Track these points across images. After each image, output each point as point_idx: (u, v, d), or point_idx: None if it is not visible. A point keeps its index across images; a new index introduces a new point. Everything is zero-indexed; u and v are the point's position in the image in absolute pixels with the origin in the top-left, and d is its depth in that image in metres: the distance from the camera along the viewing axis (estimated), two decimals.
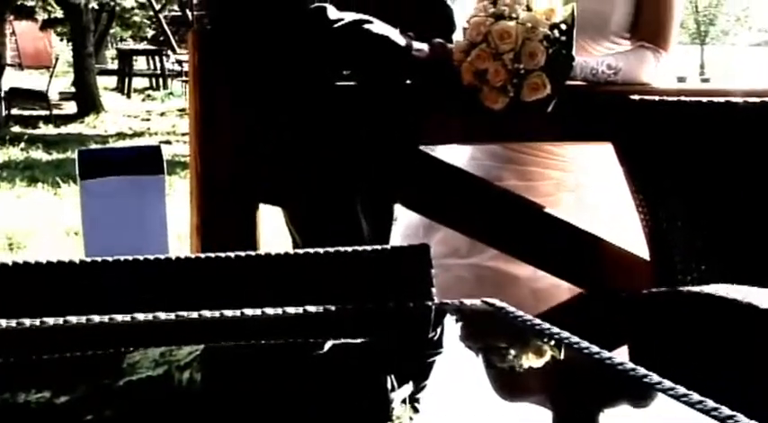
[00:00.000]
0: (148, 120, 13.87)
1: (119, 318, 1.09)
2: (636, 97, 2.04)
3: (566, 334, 1.09)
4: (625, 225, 2.16)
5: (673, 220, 2.03)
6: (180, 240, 4.63)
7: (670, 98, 2.04)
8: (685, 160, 2.03)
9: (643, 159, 2.03)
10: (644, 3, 2.24)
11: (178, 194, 6.03)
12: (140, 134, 12.16)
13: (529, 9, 1.92)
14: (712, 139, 2.04)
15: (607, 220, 2.24)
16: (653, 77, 2.20)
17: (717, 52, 29.83)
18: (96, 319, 1.08)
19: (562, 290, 2.20)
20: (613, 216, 2.24)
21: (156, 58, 18.74)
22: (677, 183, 2.03)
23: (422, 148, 2.11)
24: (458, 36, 2.12)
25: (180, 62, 17.92)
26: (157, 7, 20.10)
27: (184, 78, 17.72)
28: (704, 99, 2.04)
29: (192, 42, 1.96)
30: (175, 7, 20.98)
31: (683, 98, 2.04)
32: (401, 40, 2.01)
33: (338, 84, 2.04)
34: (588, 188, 2.29)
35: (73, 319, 1.08)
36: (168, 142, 11.04)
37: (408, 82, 2.04)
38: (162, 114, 14.59)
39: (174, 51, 19.03)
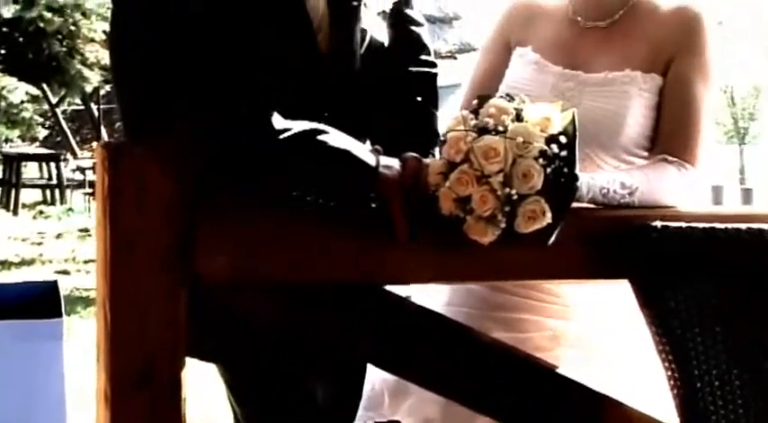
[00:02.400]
0: (41, 243, 13.80)
1: None
2: (658, 224, 2.06)
3: None
4: (646, 385, 2.17)
5: (709, 378, 2.04)
6: (79, 410, 4.55)
7: (702, 225, 2.07)
8: (725, 303, 2.05)
9: (669, 302, 2.05)
10: (665, 104, 2.31)
11: (79, 340, 5.97)
12: (30, 263, 12.09)
13: (519, 119, 1.95)
14: (759, 275, 2.07)
15: (622, 378, 2.25)
16: (678, 198, 2.24)
17: (759, 153, 30.36)
18: None
19: None
20: (630, 374, 2.25)
21: (52, 165, 18.80)
22: (714, 332, 2.05)
23: (387, 288, 2.12)
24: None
25: (82, 169, 18.00)
26: (54, 100, 20.31)
27: (87, 190, 17.79)
28: (745, 226, 2.07)
29: (102, 159, 1.98)
30: (76, 100, 21.21)
31: (717, 225, 2.07)
32: (365, 155, 2.05)
33: (286, 207, 2.07)
34: (595, 342, 2.31)
35: None
36: (66, 272, 10.99)
37: (373, 206, 2.06)
38: (58, 236, 14.53)
39: (74, 155, 19.15)
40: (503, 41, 2.50)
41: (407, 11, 2.38)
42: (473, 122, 1.96)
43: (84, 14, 18.01)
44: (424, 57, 2.41)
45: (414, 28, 2.40)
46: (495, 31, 2.54)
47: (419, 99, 2.37)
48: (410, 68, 2.38)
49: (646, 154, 2.32)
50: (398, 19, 2.33)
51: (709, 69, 2.33)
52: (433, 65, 2.42)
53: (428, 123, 2.37)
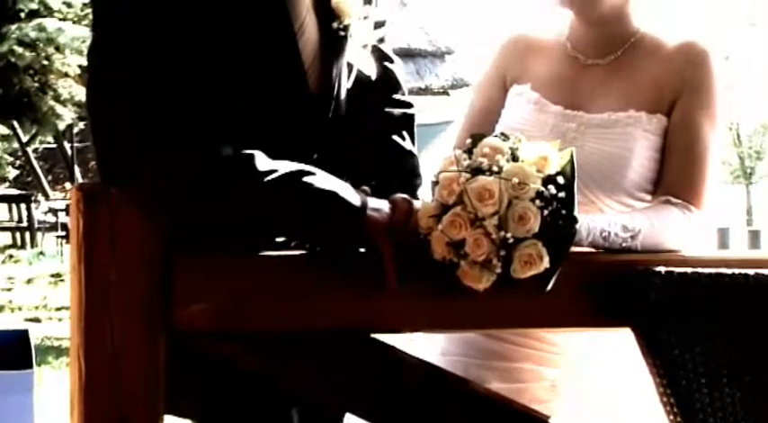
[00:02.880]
0: (10, 289, 13.78)
1: None
2: (661, 269, 2.07)
3: None
4: None
5: None
6: None
7: (708, 270, 2.07)
8: (733, 353, 2.05)
9: (674, 351, 2.05)
10: (671, 144, 2.32)
11: (51, 392, 5.94)
12: None
13: (515, 159, 1.96)
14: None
15: None
16: (683, 242, 2.25)
17: (767, 193, 30.48)
18: None
19: None
20: None
21: (22, 206, 18.80)
22: (721, 383, 2.05)
23: (376, 336, 2.12)
24: (426, 193, 2.16)
25: (54, 211, 18.01)
26: (24, 138, 20.34)
27: (60, 233, 17.77)
28: (752, 271, 2.07)
29: (76, 201, 1.98)
30: (49, 138, 21.26)
31: (724, 270, 2.07)
32: (353, 197, 2.04)
33: (269, 253, 2.07)
34: (596, 393, 2.31)
35: None
36: (37, 320, 10.95)
37: (362, 250, 2.07)
38: (29, 282, 14.51)
39: (46, 196, 19.17)
40: (498, 78, 2.51)
41: (380, 46, 2.39)
42: (466, 162, 1.96)
43: (57, 49, 18.06)
44: (398, 96, 2.42)
45: (387, 64, 2.41)
46: (491, 67, 2.54)
47: (398, 140, 2.38)
48: (387, 109, 2.39)
49: (649, 198, 2.33)
50: (373, 55, 2.34)
51: (716, 108, 2.34)
52: (410, 105, 2.43)
53: (408, 165, 2.38)
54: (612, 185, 2.31)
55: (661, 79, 2.34)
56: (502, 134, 2.01)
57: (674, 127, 2.32)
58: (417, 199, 2.13)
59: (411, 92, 2.52)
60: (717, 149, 2.35)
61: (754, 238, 13.00)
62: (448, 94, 23.15)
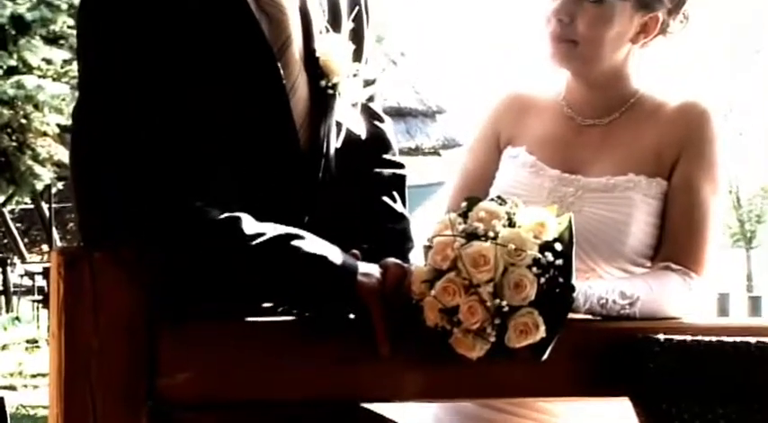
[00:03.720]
0: None
1: None
2: (661, 337, 2.07)
3: None
4: None
5: None
6: None
7: (708, 338, 2.07)
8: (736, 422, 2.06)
9: (674, 421, 2.06)
10: (670, 208, 2.33)
11: None
12: None
13: (511, 224, 1.96)
14: None
15: None
16: (683, 309, 2.25)
17: None
18: None
19: None
20: None
21: None
22: None
23: (368, 407, 2.12)
24: (417, 257, 2.17)
25: (31, 274, 17.94)
26: (1, 199, 20.30)
27: (36, 297, 17.70)
28: (754, 340, 2.07)
29: (57, 266, 1.98)
30: (26, 199, 21.24)
31: (725, 338, 2.08)
32: (343, 261, 2.05)
33: (256, 320, 2.07)
34: None
35: None
36: (12, 388, 10.89)
37: (352, 317, 2.07)
38: (4, 348, 14.44)
39: (22, 259, 19.12)
40: (492, 139, 2.51)
41: (370, 105, 2.41)
42: (461, 227, 1.97)
43: (36, 107, 18.10)
44: (388, 156, 2.43)
45: (377, 123, 2.43)
46: (485, 127, 2.54)
47: (389, 201, 2.39)
48: (377, 170, 2.40)
49: (650, 264, 2.33)
50: (363, 114, 2.36)
51: (717, 172, 2.35)
52: (400, 165, 2.44)
53: (400, 227, 2.39)
54: (612, 251, 2.31)
55: (660, 142, 2.35)
56: (498, 198, 2.01)
57: (674, 190, 2.33)
58: (409, 263, 2.13)
59: (401, 152, 2.54)
60: (718, 214, 2.36)
61: (755, 304, 12.99)
62: (439, 155, 23.22)
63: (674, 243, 2.31)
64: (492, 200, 2.01)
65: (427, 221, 2.19)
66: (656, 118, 2.38)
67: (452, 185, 2.55)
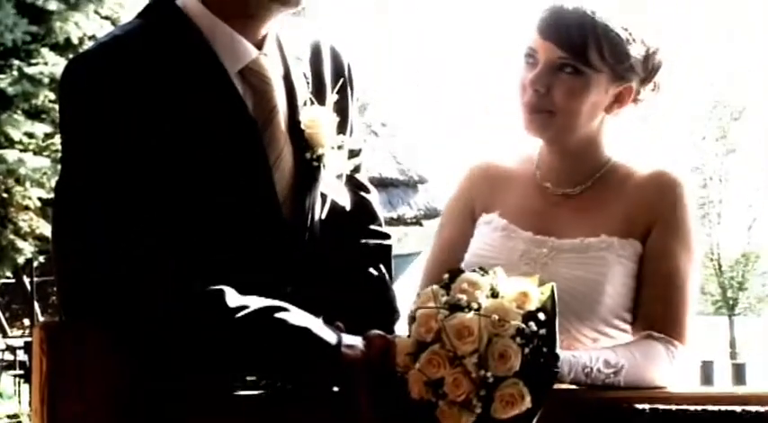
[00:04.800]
0: None
1: None
2: (646, 407, 2.07)
3: None
4: None
5: None
6: None
7: (693, 407, 2.07)
8: None
9: None
10: (647, 278, 2.33)
11: None
12: None
13: (494, 295, 1.97)
14: None
15: None
16: (667, 378, 2.25)
17: (751, 325, 30.52)
18: None
19: None
20: None
21: None
22: None
23: None
24: (401, 328, 2.16)
25: (12, 349, 17.81)
26: None
27: (18, 372, 17.57)
28: (739, 408, 2.07)
29: (40, 341, 1.97)
30: (7, 273, 21.13)
31: (710, 407, 2.07)
32: (327, 334, 2.05)
33: (240, 393, 2.06)
34: None
35: None
36: None
37: (336, 390, 2.06)
38: None
39: (3, 334, 18.99)
40: (467, 209, 2.51)
41: (356, 176, 2.42)
42: (444, 299, 1.97)
43: (17, 181, 18.06)
44: (374, 227, 2.44)
45: (363, 194, 2.43)
46: (458, 197, 2.55)
47: (374, 273, 2.39)
48: (363, 240, 2.40)
49: (625, 326, 2.33)
50: (347, 185, 2.37)
51: (692, 240, 2.36)
52: (386, 236, 2.45)
53: (386, 299, 2.39)
54: (587, 313, 2.31)
55: (633, 210, 2.36)
56: (480, 269, 2.02)
57: (650, 260, 2.34)
58: (394, 334, 2.13)
59: (383, 222, 2.54)
60: (695, 281, 2.37)
61: (738, 371, 12.93)
62: (421, 225, 23.22)
63: (655, 313, 2.31)
64: (474, 271, 2.02)
65: (409, 290, 2.19)
66: (629, 185, 2.39)
67: (428, 256, 2.54)
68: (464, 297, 1.95)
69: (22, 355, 17.54)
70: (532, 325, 1.94)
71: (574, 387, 2.17)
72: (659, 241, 2.34)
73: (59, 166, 2.21)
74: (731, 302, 30.93)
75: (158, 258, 2.04)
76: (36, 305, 21.65)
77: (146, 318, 2.03)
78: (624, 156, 2.44)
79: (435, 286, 2.00)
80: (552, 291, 1.98)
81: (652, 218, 2.35)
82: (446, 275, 2.02)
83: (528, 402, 1.92)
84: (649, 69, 2.38)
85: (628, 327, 2.34)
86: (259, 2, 2.16)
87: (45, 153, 17.26)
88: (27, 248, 18.71)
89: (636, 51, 2.34)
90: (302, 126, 2.22)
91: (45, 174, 17.00)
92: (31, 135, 17.42)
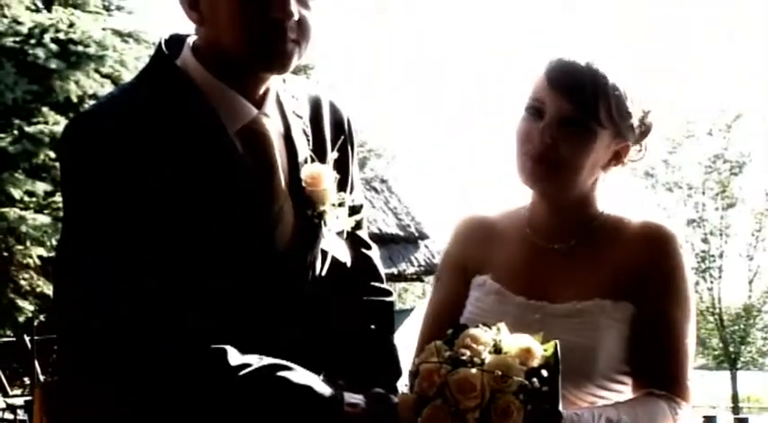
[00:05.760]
0: None
1: None
2: None
3: None
4: None
5: None
6: None
7: None
8: None
9: None
10: (644, 335, 2.31)
11: None
12: None
13: (497, 351, 1.96)
14: None
15: None
16: None
17: (753, 379, 30.39)
18: None
19: None
20: None
21: None
22: None
23: None
24: (401, 382, 2.16)
25: (12, 408, 17.73)
26: None
27: None
28: None
29: (40, 402, 1.97)
30: (8, 332, 21.12)
31: None
32: (329, 392, 2.05)
33: None
34: None
35: None
36: None
37: None
38: None
39: (3, 393, 18.89)
40: (459, 268, 2.49)
41: (357, 232, 2.42)
42: (447, 354, 1.97)
43: (18, 239, 18.07)
44: (376, 283, 2.44)
45: (364, 251, 2.43)
46: (450, 256, 2.53)
47: (376, 330, 2.38)
48: (365, 297, 2.40)
49: (623, 378, 2.31)
50: (348, 241, 2.37)
51: (686, 294, 2.35)
52: (388, 293, 2.45)
53: (388, 356, 2.38)
54: (581, 377, 2.27)
55: (624, 265, 2.34)
56: (484, 324, 2.02)
57: (645, 317, 2.30)
58: (396, 390, 2.13)
59: (384, 278, 2.53)
60: (692, 335, 2.35)
61: None
62: (422, 281, 23.21)
63: (655, 370, 2.29)
64: (477, 326, 2.01)
65: (408, 345, 2.19)
66: (621, 239, 2.38)
67: (424, 314, 2.52)
68: (467, 352, 1.95)
69: (22, 415, 17.46)
70: (535, 381, 1.94)
71: None
72: (654, 299, 2.32)
73: (60, 225, 2.22)
74: (733, 357, 30.79)
75: (160, 318, 2.04)
76: (36, 364, 21.57)
77: (147, 376, 2.02)
78: (616, 208, 2.43)
79: (438, 341, 2.00)
80: (555, 348, 1.98)
81: (645, 273, 2.32)
82: (449, 330, 2.02)
83: None
84: (643, 130, 2.38)
85: (625, 378, 2.32)
86: (251, 66, 2.17)
87: (46, 211, 17.27)
88: (27, 307, 18.69)
89: (635, 111, 2.34)
90: (303, 183, 2.23)
91: (46, 232, 17.01)
92: (31, 193, 17.45)
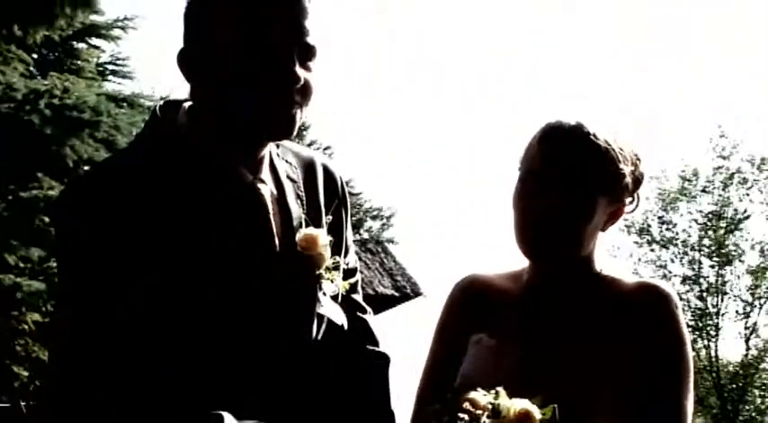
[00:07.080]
0: None
1: None
2: None
3: None
4: None
5: None
6: None
7: None
8: None
9: None
10: (641, 398, 2.30)
11: None
12: None
13: (496, 414, 1.96)
14: None
15: None
16: None
17: None
18: None
19: None
20: None
21: None
22: None
23: None
24: None
25: None
26: None
27: None
28: None
29: None
30: (3, 398, 21.08)
31: None
32: None
33: None
34: None
35: None
36: None
37: None
38: None
39: None
40: (457, 329, 2.50)
41: (353, 296, 2.41)
42: (446, 420, 1.96)
43: (12, 305, 18.08)
44: (372, 347, 2.43)
45: (360, 315, 2.42)
46: (448, 316, 2.54)
47: (374, 394, 2.37)
48: (361, 361, 2.39)
49: None
50: (345, 305, 2.36)
51: (683, 357, 2.35)
52: (384, 357, 2.43)
53: (386, 419, 2.37)
54: None
55: (622, 325, 2.35)
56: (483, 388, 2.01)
57: (643, 385, 2.31)
58: None
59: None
60: (691, 396, 2.34)
61: None
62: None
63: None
64: (476, 390, 2.01)
65: (406, 408, 2.17)
66: (616, 301, 2.38)
67: (421, 374, 2.52)
68: (466, 417, 1.94)
69: None
70: None
71: None
72: (650, 365, 2.32)
73: (54, 289, 2.21)
74: (731, 415, 30.67)
75: (157, 387, 2.02)
76: None
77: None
78: (613, 268, 2.43)
79: (437, 405, 1.99)
80: (554, 412, 1.98)
81: (641, 335, 2.32)
82: (448, 394, 2.01)
83: None
84: (635, 182, 2.39)
85: None
86: (251, 133, 2.16)
87: (40, 277, 17.26)
88: (23, 373, 18.64)
89: (628, 169, 2.34)
90: (298, 247, 2.22)
91: (41, 298, 17.00)
92: (27, 259, 17.45)
